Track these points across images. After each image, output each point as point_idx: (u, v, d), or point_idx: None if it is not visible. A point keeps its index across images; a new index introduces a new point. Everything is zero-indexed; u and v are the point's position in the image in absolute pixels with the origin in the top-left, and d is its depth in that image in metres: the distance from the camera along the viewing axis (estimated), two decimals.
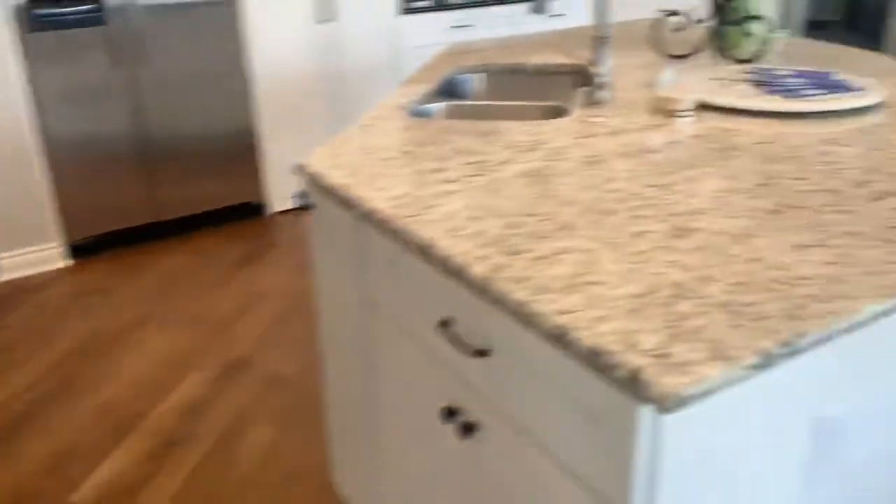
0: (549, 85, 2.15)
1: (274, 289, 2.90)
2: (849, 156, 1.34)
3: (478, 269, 0.95)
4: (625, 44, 2.50)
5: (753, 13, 2.13)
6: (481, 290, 0.94)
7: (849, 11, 8.79)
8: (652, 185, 1.22)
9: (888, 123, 1.53)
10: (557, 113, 1.80)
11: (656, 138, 1.48)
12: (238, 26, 3.34)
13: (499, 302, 0.91)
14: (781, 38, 2.25)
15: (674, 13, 2.21)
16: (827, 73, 1.85)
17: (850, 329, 0.83)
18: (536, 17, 4.12)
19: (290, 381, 2.31)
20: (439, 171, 1.32)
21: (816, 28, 8.27)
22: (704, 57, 2.21)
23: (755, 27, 2.12)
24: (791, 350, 0.78)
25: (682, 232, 1.04)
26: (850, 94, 1.67)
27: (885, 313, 0.86)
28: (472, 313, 1.01)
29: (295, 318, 2.68)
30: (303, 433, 2.08)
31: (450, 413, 1.09)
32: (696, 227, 1.05)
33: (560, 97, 2.00)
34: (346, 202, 1.24)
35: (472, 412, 1.07)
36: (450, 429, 1.12)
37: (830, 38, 7.59)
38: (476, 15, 4.00)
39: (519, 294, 0.89)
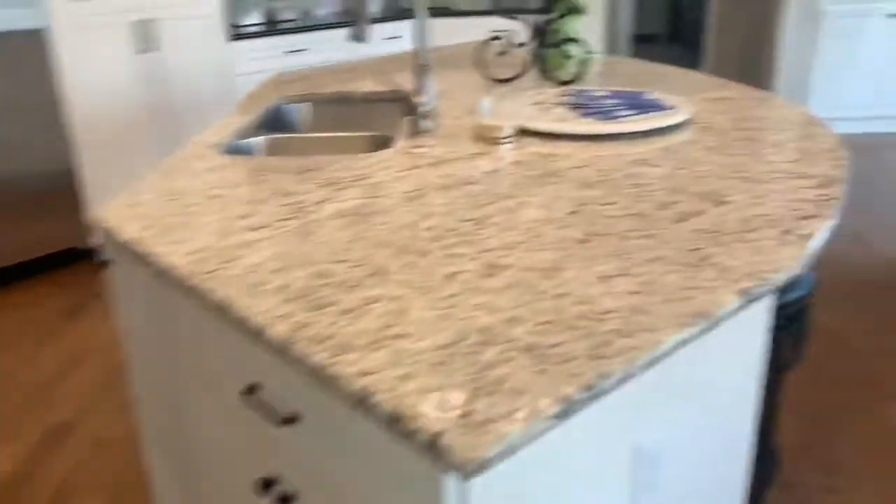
0: (377, 113, 2.11)
1: (102, 342, 2.68)
2: (656, 176, 1.38)
3: (278, 330, 0.88)
4: (454, 68, 2.52)
5: (571, 36, 2.19)
6: (281, 352, 0.87)
7: (672, 26, 9.45)
8: (468, 220, 1.20)
9: (693, 141, 1.60)
10: (383, 143, 1.76)
11: (477, 168, 1.46)
12: (50, 58, 3.08)
13: (300, 365, 0.84)
14: (599, 59, 2.33)
15: (496, 37, 2.24)
16: (640, 93, 1.92)
17: (653, 362, 0.83)
18: (366, 44, 4.08)
19: (118, 444, 2.12)
20: (248, 216, 1.24)
21: (644, 42, 8.82)
22: (529, 79, 2.25)
23: (573, 49, 2.18)
24: (594, 393, 0.76)
25: (493, 269, 1.02)
26: (661, 112, 1.74)
27: (685, 342, 0.87)
28: (278, 378, 0.94)
29: (124, 375, 2.48)
30: (133, 502, 1.91)
31: (267, 484, 1.01)
32: (507, 264, 1.04)
33: (387, 126, 1.96)
34: (140, 258, 1.13)
35: (289, 482, 0.99)
36: (268, 501, 1.04)
37: (656, 51, 8.08)
38: (310, 39, 3.92)
39: (320, 356, 0.83)
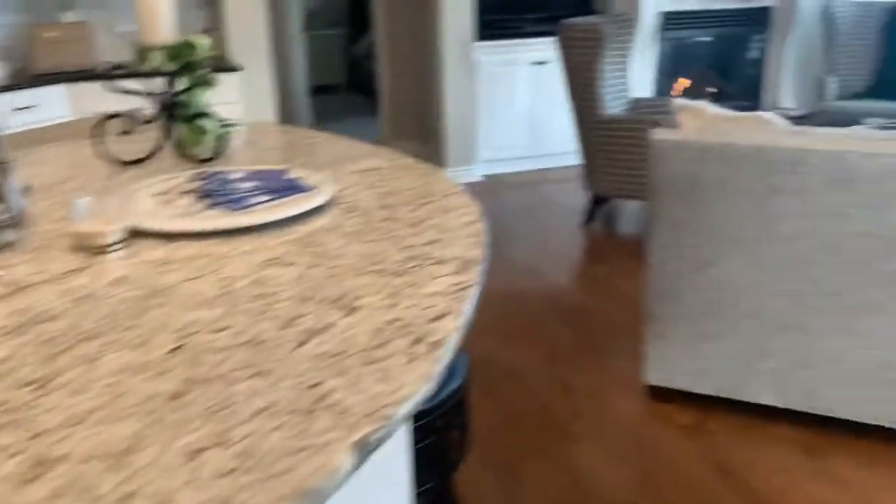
0: None
1: None
2: (286, 281, 1.21)
3: None
4: (78, 149, 2.15)
5: (202, 109, 1.97)
6: None
7: (349, 76, 9.68)
8: (30, 382, 0.91)
9: (333, 227, 1.46)
10: None
11: (66, 293, 1.17)
12: None
13: None
14: (241, 131, 2.14)
15: (115, 115, 1.94)
16: (281, 172, 1.75)
17: None
18: None
19: None
20: None
21: (324, 92, 8.90)
22: (166, 159, 1.98)
23: (207, 123, 1.96)
24: None
25: (42, 467, 0.75)
26: (301, 195, 1.59)
27: None
28: None
29: None
30: None
31: None
32: (64, 453, 0.77)
33: None
34: None
35: None
36: None
37: (336, 102, 8.18)
38: None
39: None
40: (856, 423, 2.41)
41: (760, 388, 2.47)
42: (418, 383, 0.90)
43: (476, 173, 5.67)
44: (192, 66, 1.94)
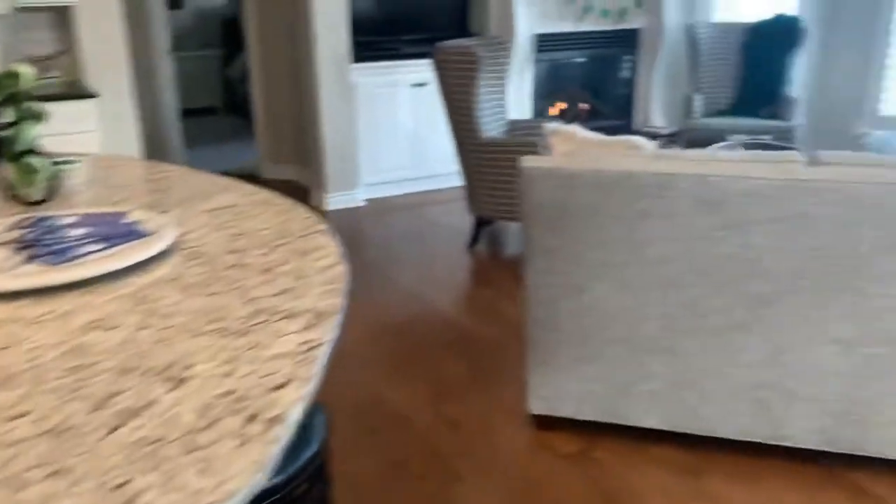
0: None
1: None
2: (108, 349, 1.06)
3: None
4: None
5: (31, 145, 1.77)
6: None
7: (225, 98, 9.34)
8: None
9: (173, 278, 1.32)
10: None
11: None
12: None
13: None
14: (79, 169, 1.94)
15: None
16: (119, 216, 1.58)
17: None
18: None
19: None
20: None
21: (200, 115, 8.55)
22: None
23: (37, 162, 1.76)
24: None
25: None
26: (138, 241, 1.43)
27: None
28: None
29: None
30: None
31: None
32: None
33: None
34: None
35: None
36: None
37: (214, 123, 7.84)
38: None
39: None
40: (731, 440, 2.45)
41: (641, 411, 2.48)
42: (248, 474, 0.78)
43: (358, 197, 5.55)
44: (16, 97, 1.74)
